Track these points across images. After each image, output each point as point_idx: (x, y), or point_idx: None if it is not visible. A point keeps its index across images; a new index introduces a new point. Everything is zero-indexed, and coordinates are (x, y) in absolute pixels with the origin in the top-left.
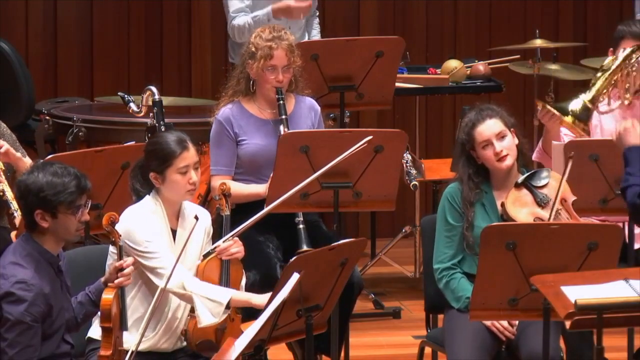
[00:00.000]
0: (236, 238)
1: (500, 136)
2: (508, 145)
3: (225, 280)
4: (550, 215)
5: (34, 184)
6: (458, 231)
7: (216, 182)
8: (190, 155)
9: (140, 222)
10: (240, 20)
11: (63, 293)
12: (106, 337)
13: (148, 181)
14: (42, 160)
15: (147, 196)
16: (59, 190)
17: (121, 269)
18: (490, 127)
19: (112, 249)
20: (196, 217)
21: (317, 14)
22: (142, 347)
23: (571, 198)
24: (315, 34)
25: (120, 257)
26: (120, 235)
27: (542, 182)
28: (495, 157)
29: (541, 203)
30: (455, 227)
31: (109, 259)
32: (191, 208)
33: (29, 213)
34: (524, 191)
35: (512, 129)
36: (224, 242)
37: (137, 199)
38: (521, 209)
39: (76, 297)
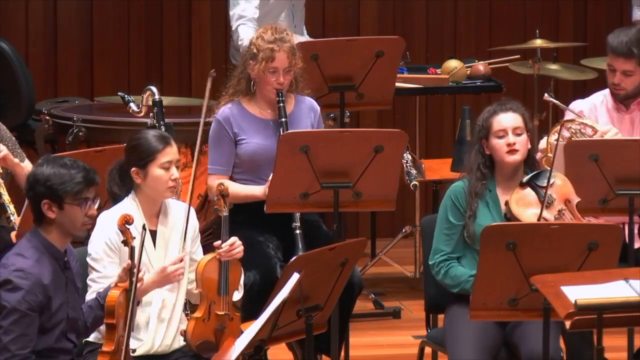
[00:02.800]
0: (236, 238)
1: (517, 132)
2: (522, 142)
3: (225, 280)
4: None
5: (41, 174)
6: (458, 230)
7: (212, 181)
8: (173, 151)
9: (103, 234)
10: (250, 33)
11: (69, 290)
12: (109, 334)
13: (126, 182)
14: (53, 155)
15: (125, 199)
16: (65, 180)
17: (130, 270)
18: (510, 119)
19: (92, 263)
20: (144, 228)
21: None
22: (139, 352)
23: (575, 199)
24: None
25: (131, 258)
26: (134, 237)
27: (546, 183)
28: (507, 148)
29: (545, 203)
30: (455, 226)
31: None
32: (175, 205)
33: (36, 204)
34: (528, 190)
35: (528, 132)
36: (222, 243)
37: (113, 203)
38: (525, 208)
39: (86, 302)
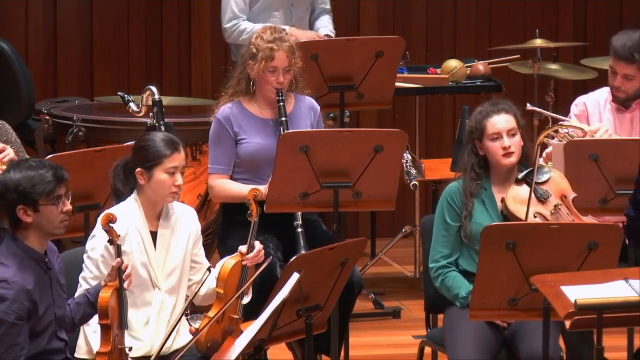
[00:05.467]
0: (259, 245)
1: (512, 133)
2: (517, 143)
3: (243, 282)
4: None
5: (11, 180)
6: (455, 230)
7: (213, 180)
8: (181, 157)
9: (105, 236)
10: (248, 25)
11: (54, 290)
12: (105, 335)
13: (130, 180)
14: (9, 158)
15: (128, 199)
16: (36, 182)
17: (119, 269)
18: (504, 121)
19: (88, 262)
20: (209, 270)
21: (328, 10)
22: (138, 354)
23: (571, 195)
24: (323, 29)
25: (119, 256)
26: (120, 236)
27: (544, 179)
28: (502, 152)
29: (541, 199)
30: (452, 227)
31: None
32: (178, 207)
33: (11, 211)
34: (525, 187)
35: (520, 130)
36: (249, 248)
37: (117, 201)
38: (522, 205)
39: (74, 298)
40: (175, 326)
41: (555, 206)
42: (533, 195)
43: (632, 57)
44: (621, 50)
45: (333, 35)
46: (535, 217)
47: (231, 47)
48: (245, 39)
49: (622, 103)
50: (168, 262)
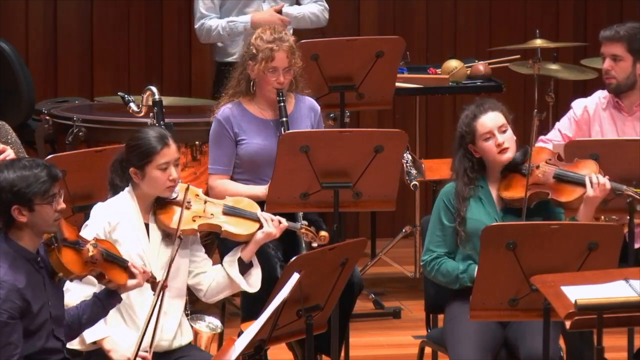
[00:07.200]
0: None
1: (503, 129)
2: (509, 138)
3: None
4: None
5: (5, 181)
6: (450, 231)
7: (214, 181)
8: (171, 151)
9: (95, 226)
10: (213, 22)
11: (48, 289)
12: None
13: (127, 175)
14: (9, 158)
15: (123, 192)
16: (31, 182)
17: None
18: (492, 118)
19: None
20: (180, 237)
21: None
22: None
23: (554, 154)
24: (292, 7)
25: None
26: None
27: (522, 159)
28: (497, 149)
29: (525, 171)
30: (447, 228)
31: None
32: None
33: (5, 211)
34: (510, 175)
35: (511, 126)
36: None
37: (112, 195)
38: (514, 188)
39: (83, 301)
40: (159, 315)
41: (537, 167)
42: (520, 175)
43: (616, 33)
44: (607, 31)
45: (298, 15)
46: (529, 189)
47: (213, 49)
48: (214, 37)
49: (615, 93)
50: (162, 253)
